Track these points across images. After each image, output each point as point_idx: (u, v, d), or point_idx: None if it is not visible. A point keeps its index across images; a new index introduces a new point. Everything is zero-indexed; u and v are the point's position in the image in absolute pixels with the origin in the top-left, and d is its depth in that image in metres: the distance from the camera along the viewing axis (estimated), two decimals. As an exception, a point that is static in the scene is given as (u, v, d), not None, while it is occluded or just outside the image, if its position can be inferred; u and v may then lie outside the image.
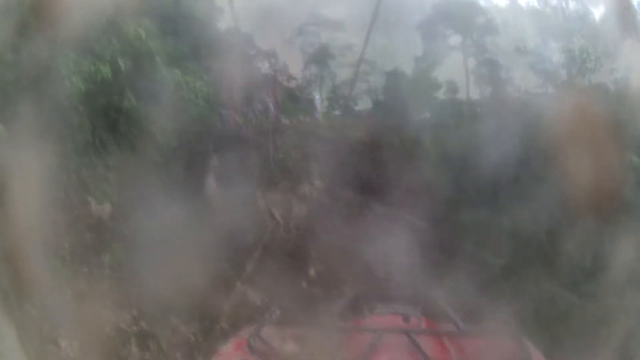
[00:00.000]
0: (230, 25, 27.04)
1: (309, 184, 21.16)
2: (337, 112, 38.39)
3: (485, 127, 23.80)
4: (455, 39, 36.76)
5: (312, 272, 11.65)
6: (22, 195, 5.78)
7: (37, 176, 6.17)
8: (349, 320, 9.25)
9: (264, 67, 42.87)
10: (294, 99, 27.00)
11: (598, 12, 20.78)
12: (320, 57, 40.93)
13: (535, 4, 22.38)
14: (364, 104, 39.15)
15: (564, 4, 21.54)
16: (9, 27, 7.68)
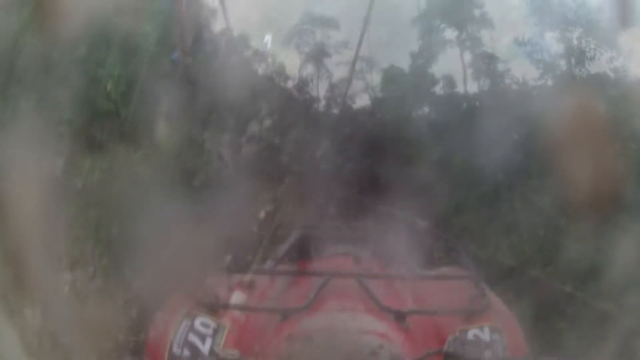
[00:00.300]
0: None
1: (258, 123, 21.38)
2: (334, 111, 38.26)
3: (484, 121, 23.66)
4: (450, 33, 36.63)
5: (261, 214, 11.43)
6: (22, 195, 5.65)
7: (37, 176, 6.03)
8: (296, 262, 9.37)
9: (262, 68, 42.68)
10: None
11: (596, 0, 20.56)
12: (316, 56, 40.71)
13: (532, -7, 22.12)
14: (361, 102, 38.99)
15: (561, -7, 21.30)
16: (9, 26, 7.57)
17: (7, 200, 5.50)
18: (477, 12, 35.47)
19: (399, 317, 6.84)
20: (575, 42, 20.27)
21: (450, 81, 34.51)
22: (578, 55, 19.62)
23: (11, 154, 6.00)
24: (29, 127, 7.26)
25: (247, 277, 7.92)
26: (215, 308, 6.99)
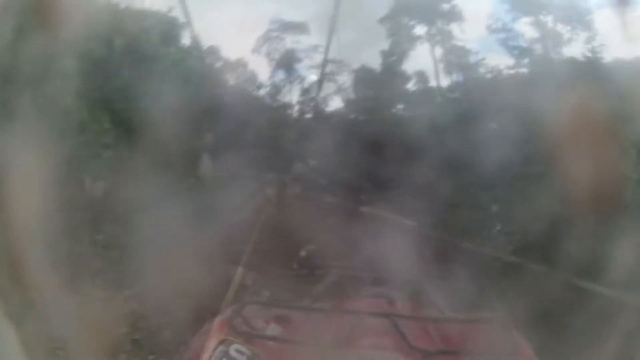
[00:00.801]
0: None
1: (303, 163, 21.61)
2: (308, 115, 37.98)
3: (460, 115, 23.48)
4: (420, 29, 36.45)
5: (302, 252, 11.39)
6: (22, 194, 5.23)
7: (37, 175, 5.63)
8: (333, 301, 9.25)
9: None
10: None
11: (570, -20, 20.27)
12: (287, 62, 40.45)
13: (505, -20, 21.82)
14: (334, 104, 38.72)
15: (534, -24, 21.01)
16: (9, 26, 7.16)
17: (7, 200, 5.14)
18: (445, 6, 34.89)
19: (427, 356, 6.62)
20: (550, 25, 19.88)
21: (422, 77, 33.89)
22: (554, 39, 19.21)
23: (12, 156, 5.66)
24: (29, 129, 7.03)
25: (285, 311, 7.72)
26: (250, 337, 6.81)
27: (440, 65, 36.80)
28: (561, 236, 11.60)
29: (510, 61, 23.56)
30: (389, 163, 28.60)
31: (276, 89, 40.72)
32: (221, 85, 36.83)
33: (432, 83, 35.94)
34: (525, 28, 21.16)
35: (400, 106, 35.11)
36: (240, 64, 42.81)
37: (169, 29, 30.04)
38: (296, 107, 41.26)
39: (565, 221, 11.58)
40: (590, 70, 16.95)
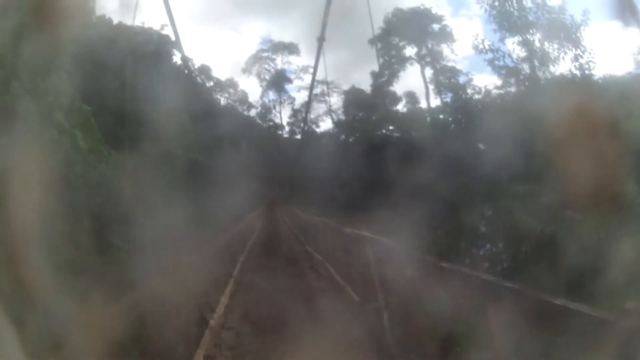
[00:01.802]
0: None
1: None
2: (298, 136, 37.90)
3: (448, 134, 23.61)
4: (410, 50, 36.51)
5: None
6: (22, 195, 4.90)
7: (37, 176, 5.29)
8: None
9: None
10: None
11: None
12: (277, 82, 40.48)
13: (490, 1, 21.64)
14: (325, 125, 38.73)
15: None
16: (9, 27, 6.83)
17: (8, 201, 4.83)
18: (435, 27, 34.63)
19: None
20: (537, 44, 19.84)
21: (412, 97, 33.59)
22: (541, 57, 19.18)
23: (12, 157, 5.32)
24: (29, 128, 6.64)
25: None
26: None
27: (430, 86, 36.93)
28: (546, 254, 11.55)
29: (499, 81, 23.56)
30: (380, 182, 28.62)
31: (266, 109, 40.74)
32: (212, 104, 36.77)
33: (422, 104, 36.05)
34: (514, 47, 21.09)
35: (390, 127, 35.13)
36: (231, 84, 42.90)
37: (161, 47, 30.02)
38: (287, 128, 41.32)
39: (551, 241, 11.50)
40: (580, 87, 16.85)
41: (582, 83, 17.24)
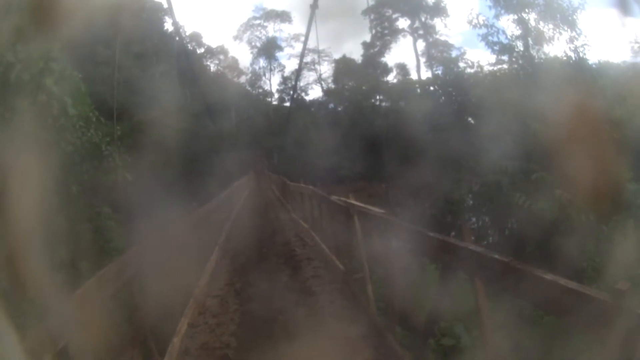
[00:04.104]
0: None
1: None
2: (287, 104, 37.74)
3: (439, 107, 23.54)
4: (403, 22, 36.27)
5: None
6: (22, 196, 4.81)
7: (37, 176, 5.19)
8: None
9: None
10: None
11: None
12: (268, 49, 40.16)
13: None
14: (314, 93, 38.57)
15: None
16: (9, 27, 6.68)
17: (8, 201, 4.74)
18: (429, 0, 34.20)
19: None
20: (532, 23, 19.67)
21: (403, 69, 33.33)
22: (535, 36, 19.04)
23: (12, 157, 5.22)
24: (20, 95, 6.55)
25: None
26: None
27: (422, 59, 36.84)
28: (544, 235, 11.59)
29: (492, 57, 23.42)
30: (368, 152, 28.63)
31: (256, 76, 40.47)
32: (202, 71, 36.51)
33: (413, 76, 35.97)
34: (509, 24, 20.93)
35: (380, 97, 35.07)
36: (222, 51, 42.51)
37: (153, 14, 29.69)
38: (276, 95, 41.11)
39: (542, 216, 11.53)
40: (574, 68, 16.78)
41: (576, 65, 17.16)
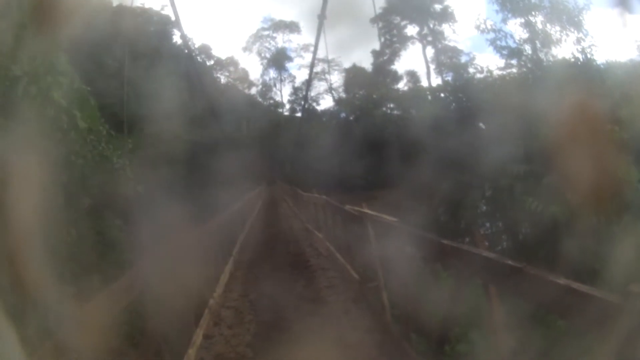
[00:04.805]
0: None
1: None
2: (298, 114, 37.88)
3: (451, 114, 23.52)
4: (411, 30, 36.34)
5: None
6: (14, 187, 4.88)
7: (37, 176, 5.26)
8: None
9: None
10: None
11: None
12: (278, 60, 40.37)
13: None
14: (325, 103, 38.70)
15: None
16: (9, 27, 6.78)
17: (8, 200, 4.81)
18: (437, 7, 34.39)
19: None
20: (539, 25, 19.65)
21: (413, 76, 33.40)
22: (543, 39, 19.01)
23: (12, 156, 5.29)
24: (23, 120, 6.61)
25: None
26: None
27: (431, 65, 36.90)
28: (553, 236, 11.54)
29: (501, 61, 23.40)
30: (380, 161, 28.66)
31: (267, 87, 40.65)
32: (213, 83, 36.68)
33: (423, 83, 36.02)
34: (517, 28, 20.92)
35: (391, 105, 35.11)
36: (231, 62, 42.75)
37: (161, 27, 29.89)
38: (287, 106, 41.26)
39: (554, 220, 11.48)
40: (582, 70, 16.73)
41: (583, 66, 17.10)
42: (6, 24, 6.98)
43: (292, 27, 44.82)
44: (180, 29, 31.45)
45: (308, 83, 35.61)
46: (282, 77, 43.88)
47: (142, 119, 19.42)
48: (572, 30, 20.01)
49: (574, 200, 10.34)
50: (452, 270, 5.43)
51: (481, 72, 27.13)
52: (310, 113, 39.36)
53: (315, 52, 21.55)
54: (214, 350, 6.85)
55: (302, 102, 39.63)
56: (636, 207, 10.29)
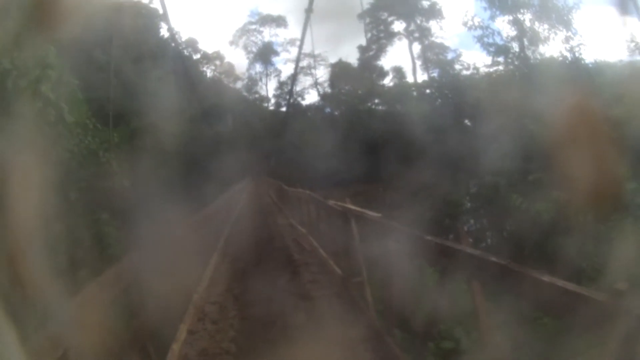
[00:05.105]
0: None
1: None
2: (284, 109, 37.76)
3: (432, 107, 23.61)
4: (398, 26, 36.30)
5: None
6: (22, 195, 4.82)
7: (34, 183, 5.18)
8: None
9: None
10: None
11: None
12: (264, 54, 40.16)
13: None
14: (311, 97, 38.57)
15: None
16: (9, 27, 6.67)
17: (8, 201, 4.75)
18: (424, 3, 34.26)
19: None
20: (528, 23, 19.71)
21: (399, 72, 33.33)
22: (531, 37, 19.07)
23: (12, 157, 5.22)
24: (25, 136, 6.51)
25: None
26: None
27: (418, 62, 36.90)
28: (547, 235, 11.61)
29: (488, 58, 23.44)
30: (365, 156, 28.65)
31: (252, 82, 40.46)
32: (199, 76, 36.47)
33: (409, 79, 36.01)
34: (504, 26, 20.96)
35: (376, 100, 35.11)
36: (218, 56, 42.49)
37: (148, 20, 29.65)
38: (273, 100, 41.10)
39: (539, 216, 11.53)
40: (570, 68, 16.80)
41: (572, 65, 17.18)
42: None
43: (279, 21, 44.67)
44: (167, 22, 31.17)
45: (293, 77, 35.52)
46: (268, 72, 43.74)
47: (129, 113, 19.34)
48: (561, 28, 20.10)
49: (560, 197, 10.39)
50: (437, 266, 5.42)
51: (467, 69, 27.29)
52: (296, 108, 39.25)
53: (301, 47, 21.55)
54: (199, 346, 6.77)
55: (288, 97, 39.53)
56: (625, 204, 10.37)
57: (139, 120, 19.10)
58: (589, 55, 19.41)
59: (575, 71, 16.80)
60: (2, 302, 3.76)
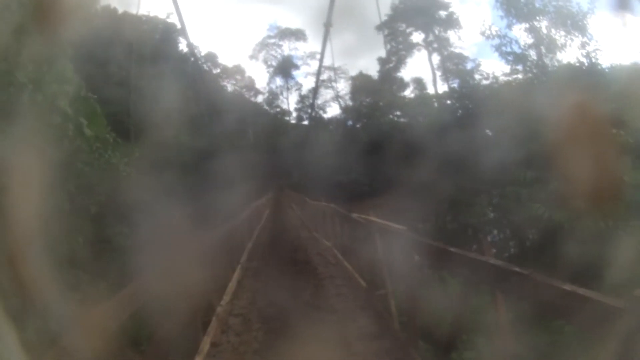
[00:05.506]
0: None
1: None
2: (305, 122, 37.94)
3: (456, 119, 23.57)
4: (417, 37, 36.36)
5: None
6: (22, 195, 4.94)
7: (44, 184, 5.32)
8: None
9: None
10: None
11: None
12: (284, 68, 40.47)
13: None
14: (332, 110, 38.73)
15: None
16: (9, 27, 6.87)
17: (8, 201, 4.87)
18: (442, 14, 34.48)
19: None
20: (544, 30, 19.69)
21: (419, 83, 33.45)
22: (548, 44, 19.04)
23: (12, 157, 5.36)
24: (29, 128, 6.67)
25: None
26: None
27: (437, 72, 36.88)
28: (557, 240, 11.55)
29: (506, 67, 23.43)
30: (387, 168, 28.67)
31: (273, 95, 40.73)
32: (219, 91, 36.78)
33: (430, 90, 36.02)
34: (522, 34, 20.97)
35: (397, 112, 35.11)
36: (238, 71, 42.86)
37: (166, 35, 30.07)
38: (294, 114, 41.31)
39: (560, 226, 11.49)
40: (587, 74, 16.74)
41: (588, 71, 17.11)
42: (8, 29, 7.06)
43: (298, 34, 45.00)
44: (185, 36, 31.59)
45: (315, 91, 35.75)
46: (289, 85, 44.02)
47: (148, 127, 19.56)
48: (577, 34, 20.06)
49: (579, 205, 10.34)
50: (459, 277, 5.45)
51: (487, 78, 27.26)
52: (317, 121, 39.40)
53: (321, 60, 21.67)
54: (222, 359, 6.83)
55: (309, 110, 39.72)
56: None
57: (159, 134, 19.36)
58: (605, 60, 19.37)
59: (592, 77, 16.72)
60: (2, 302, 3.86)
